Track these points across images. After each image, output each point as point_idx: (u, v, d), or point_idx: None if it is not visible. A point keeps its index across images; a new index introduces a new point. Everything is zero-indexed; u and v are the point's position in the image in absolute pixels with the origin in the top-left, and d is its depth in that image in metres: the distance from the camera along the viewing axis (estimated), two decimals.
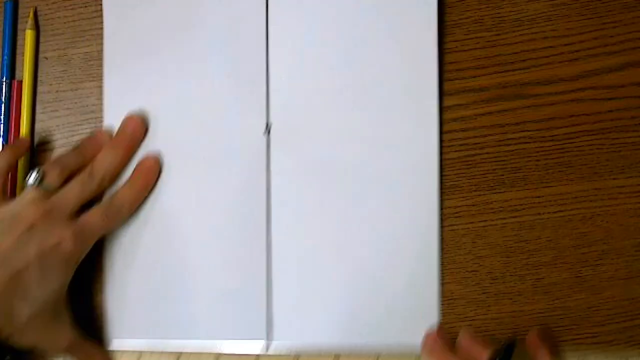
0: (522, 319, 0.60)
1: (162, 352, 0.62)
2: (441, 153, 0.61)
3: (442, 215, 0.61)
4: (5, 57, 0.64)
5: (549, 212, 0.61)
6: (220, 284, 0.61)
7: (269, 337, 0.61)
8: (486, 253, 0.61)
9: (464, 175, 0.61)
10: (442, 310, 0.60)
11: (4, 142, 0.63)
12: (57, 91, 0.64)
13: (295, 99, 0.61)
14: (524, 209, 0.61)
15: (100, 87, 0.63)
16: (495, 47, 0.62)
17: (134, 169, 0.62)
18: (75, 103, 0.64)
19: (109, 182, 0.61)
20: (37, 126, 0.64)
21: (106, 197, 0.61)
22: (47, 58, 0.64)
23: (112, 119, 0.62)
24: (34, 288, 0.55)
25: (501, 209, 0.61)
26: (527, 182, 0.61)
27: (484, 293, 0.61)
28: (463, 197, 0.61)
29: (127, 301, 0.62)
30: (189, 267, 0.61)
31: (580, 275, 0.61)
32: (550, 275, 0.61)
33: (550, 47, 0.61)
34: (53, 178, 0.58)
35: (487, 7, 0.62)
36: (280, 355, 0.61)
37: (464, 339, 0.58)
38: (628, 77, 0.61)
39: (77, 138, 0.64)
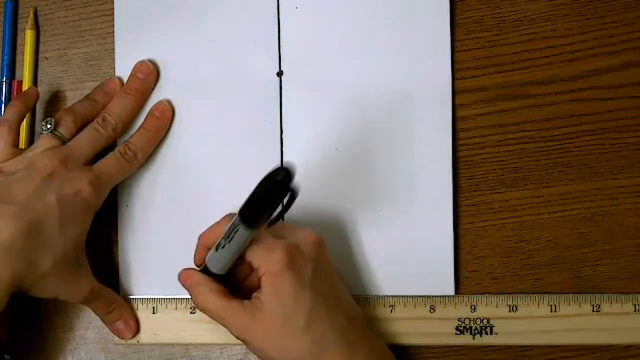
0: None
1: (177, 304, 0.62)
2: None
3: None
4: (5, 57, 0.64)
5: (549, 212, 0.61)
6: None
7: None
8: (486, 253, 0.61)
9: (464, 175, 0.61)
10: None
11: None
12: (57, 91, 0.64)
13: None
14: (524, 209, 0.61)
15: None
16: (495, 47, 0.62)
17: (147, 114, 0.62)
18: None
19: (123, 128, 0.61)
20: (37, 126, 0.64)
21: (120, 143, 0.61)
22: (47, 58, 0.64)
23: (123, 72, 0.63)
24: (55, 237, 0.55)
25: (501, 209, 0.61)
26: (527, 182, 0.61)
27: (484, 294, 0.61)
28: (463, 197, 0.61)
29: (143, 256, 0.62)
30: (205, 217, 0.61)
31: (580, 275, 0.61)
32: (550, 275, 0.61)
33: (550, 47, 0.61)
34: (66, 126, 0.58)
35: (487, 7, 0.62)
36: None
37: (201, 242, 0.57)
38: (628, 77, 0.61)
39: None
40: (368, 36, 0.62)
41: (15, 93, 0.63)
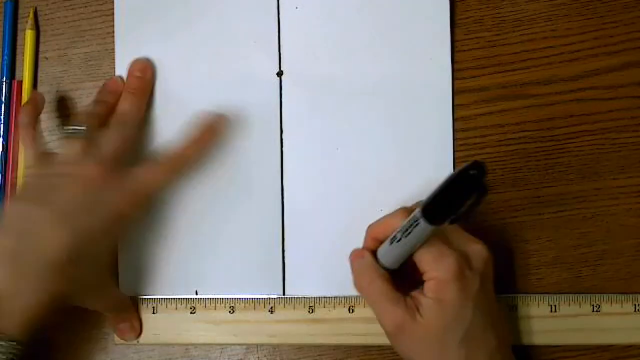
0: None
1: (177, 304, 0.62)
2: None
3: None
4: (5, 57, 0.64)
5: (549, 212, 0.61)
6: (236, 238, 0.62)
7: (284, 292, 0.62)
8: None
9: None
10: None
11: (4, 142, 0.63)
12: (57, 91, 0.64)
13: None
14: (524, 209, 0.61)
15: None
16: (495, 47, 0.62)
17: (197, 126, 0.60)
18: (75, 103, 0.64)
19: (140, 123, 0.60)
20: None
21: (165, 154, 0.60)
22: (47, 58, 0.64)
23: (123, 72, 0.63)
24: (97, 251, 0.55)
25: (501, 209, 0.61)
26: (527, 182, 0.61)
27: None
28: None
29: (143, 256, 0.62)
30: (204, 216, 0.62)
31: (580, 275, 0.61)
32: (550, 275, 0.61)
33: (550, 47, 0.61)
34: (93, 129, 0.58)
35: (487, 7, 0.62)
36: (295, 305, 0.61)
37: (374, 230, 0.55)
38: (628, 77, 0.61)
39: None
40: (368, 36, 0.62)
41: (15, 93, 0.63)
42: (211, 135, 0.61)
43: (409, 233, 0.50)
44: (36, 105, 0.60)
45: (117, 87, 0.61)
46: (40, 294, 0.52)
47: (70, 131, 0.58)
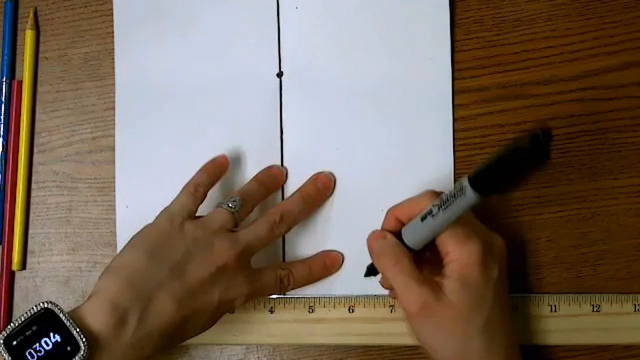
0: None
1: None
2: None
3: None
4: (5, 57, 0.64)
5: (549, 212, 0.61)
6: None
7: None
8: None
9: (464, 175, 0.61)
10: None
11: (4, 142, 0.63)
12: (57, 91, 0.64)
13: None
14: (524, 209, 0.61)
15: (101, 87, 0.64)
16: (495, 47, 0.62)
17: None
18: (75, 103, 0.64)
19: (290, 229, 0.59)
20: (37, 126, 0.64)
21: (292, 269, 0.59)
22: (47, 58, 0.64)
23: (123, 72, 0.63)
24: (197, 328, 0.54)
25: (501, 209, 0.61)
26: (527, 182, 0.61)
27: None
28: None
29: None
30: None
31: (580, 275, 0.61)
32: (550, 275, 0.61)
33: (550, 47, 0.61)
34: (246, 210, 0.57)
35: (487, 7, 0.62)
36: (295, 305, 0.61)
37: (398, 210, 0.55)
38: (628, 77, 0.61)
39: (77, 138, 0.64)
40: (368, 36, 0.62)
41: (15, 93, 0.63)
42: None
43: (449, 206, 0.49)
44: (220, 169, 0.59)
45: (280, 176, 0.61)
46: (134, 354, 0.51)
47: (230, 205, 0.56)
